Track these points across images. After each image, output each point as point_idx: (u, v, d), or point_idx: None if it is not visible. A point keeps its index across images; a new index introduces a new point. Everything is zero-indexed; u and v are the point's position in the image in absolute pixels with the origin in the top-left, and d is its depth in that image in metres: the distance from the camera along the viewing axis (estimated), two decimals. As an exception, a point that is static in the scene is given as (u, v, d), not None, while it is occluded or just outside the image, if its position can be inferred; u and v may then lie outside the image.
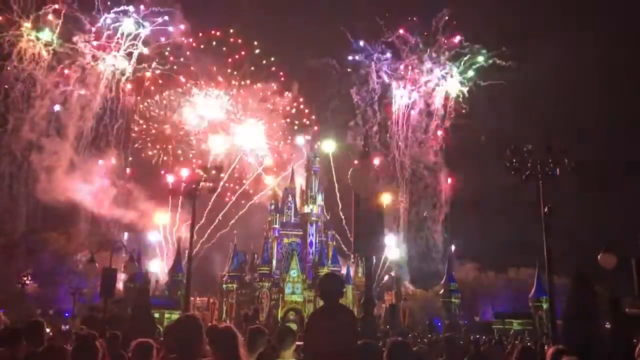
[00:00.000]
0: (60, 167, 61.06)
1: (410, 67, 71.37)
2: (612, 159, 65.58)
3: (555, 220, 18.07)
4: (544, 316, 52.73)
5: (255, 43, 73.40)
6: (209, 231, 69.85)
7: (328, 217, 67.59)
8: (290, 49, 73.41)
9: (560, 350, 5.83)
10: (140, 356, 5.17)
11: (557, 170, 18.35)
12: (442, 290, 63.19)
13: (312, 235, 65.60)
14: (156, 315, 44.14)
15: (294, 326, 50.75)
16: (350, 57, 73.28)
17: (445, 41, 71.22)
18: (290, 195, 67.62)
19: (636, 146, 65.43)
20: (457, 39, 71.22)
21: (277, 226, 65.47)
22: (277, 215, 65.88)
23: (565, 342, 15.40)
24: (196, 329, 4.38)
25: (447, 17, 70.65)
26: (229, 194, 73.35)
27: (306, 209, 66.07)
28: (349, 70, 73.20)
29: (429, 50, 71.41)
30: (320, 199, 66.91)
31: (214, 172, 23.35)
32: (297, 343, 5.75)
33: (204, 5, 72.90)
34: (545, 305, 50.81)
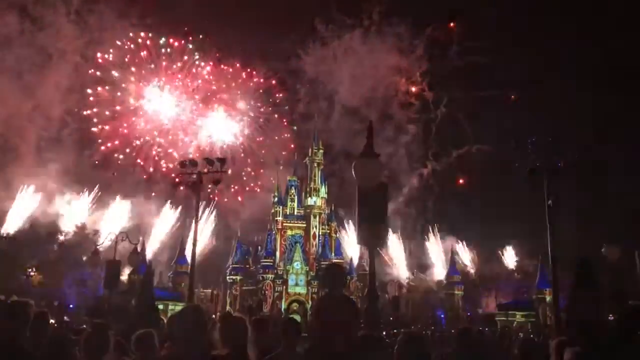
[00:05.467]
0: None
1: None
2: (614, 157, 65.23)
3: (559, 212, 17.87)
4: (547, 308, 52.74)
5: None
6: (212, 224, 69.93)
7: (331, 209, 67.57)
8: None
9: (564, 342, 5.82)
10: (142, 346, 5.20)
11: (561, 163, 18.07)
12: (445, 283, 63.22)
13: (316, 227, 65.64)
14: (160, 307, 44.34)
15: (297, 317, 50.99)
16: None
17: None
18: (293, 187, 67.56)
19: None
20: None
21: (280, 218, 65.56)
22: (281, 207, 65.92)
23: (568, 327, 15.39)
24: (200, 320, 4.38)
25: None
26: (233, 186, 73.23)
27: (310, 201, 66.03)
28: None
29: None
30: (323, 191, 66.84)
31: (217, 163, 23.29)
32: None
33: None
34: (548, 298, 50.84)
